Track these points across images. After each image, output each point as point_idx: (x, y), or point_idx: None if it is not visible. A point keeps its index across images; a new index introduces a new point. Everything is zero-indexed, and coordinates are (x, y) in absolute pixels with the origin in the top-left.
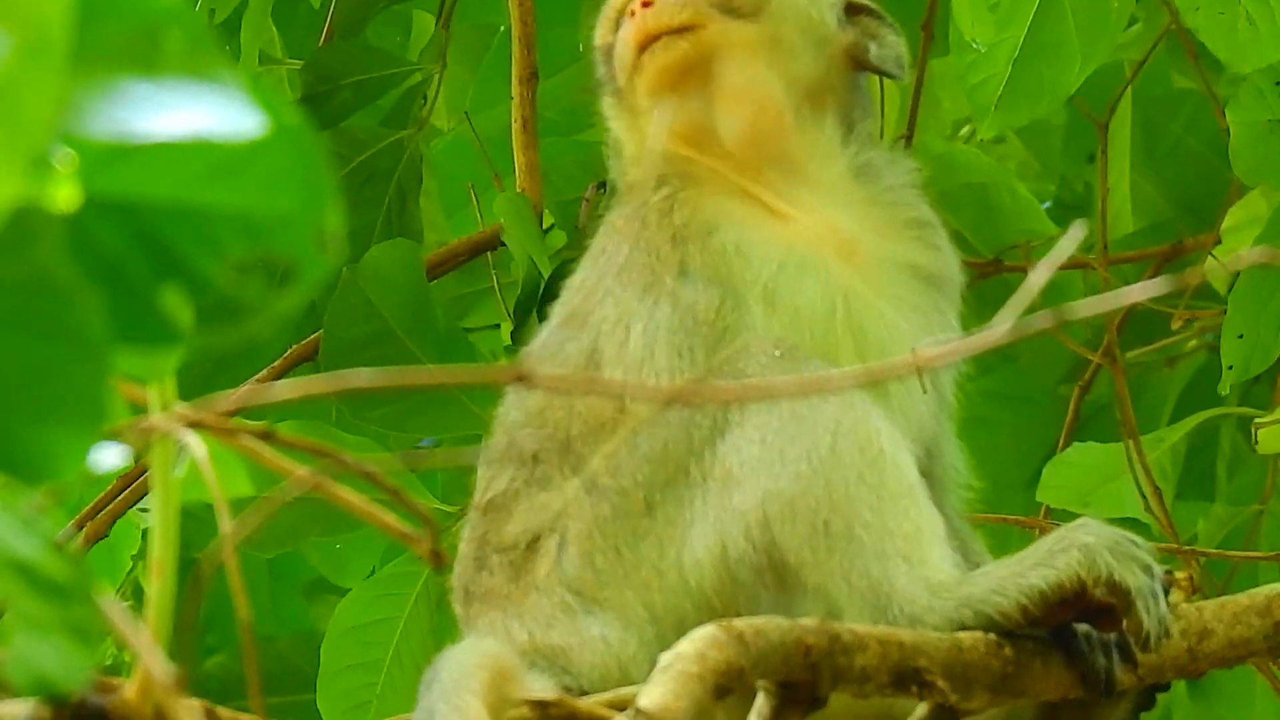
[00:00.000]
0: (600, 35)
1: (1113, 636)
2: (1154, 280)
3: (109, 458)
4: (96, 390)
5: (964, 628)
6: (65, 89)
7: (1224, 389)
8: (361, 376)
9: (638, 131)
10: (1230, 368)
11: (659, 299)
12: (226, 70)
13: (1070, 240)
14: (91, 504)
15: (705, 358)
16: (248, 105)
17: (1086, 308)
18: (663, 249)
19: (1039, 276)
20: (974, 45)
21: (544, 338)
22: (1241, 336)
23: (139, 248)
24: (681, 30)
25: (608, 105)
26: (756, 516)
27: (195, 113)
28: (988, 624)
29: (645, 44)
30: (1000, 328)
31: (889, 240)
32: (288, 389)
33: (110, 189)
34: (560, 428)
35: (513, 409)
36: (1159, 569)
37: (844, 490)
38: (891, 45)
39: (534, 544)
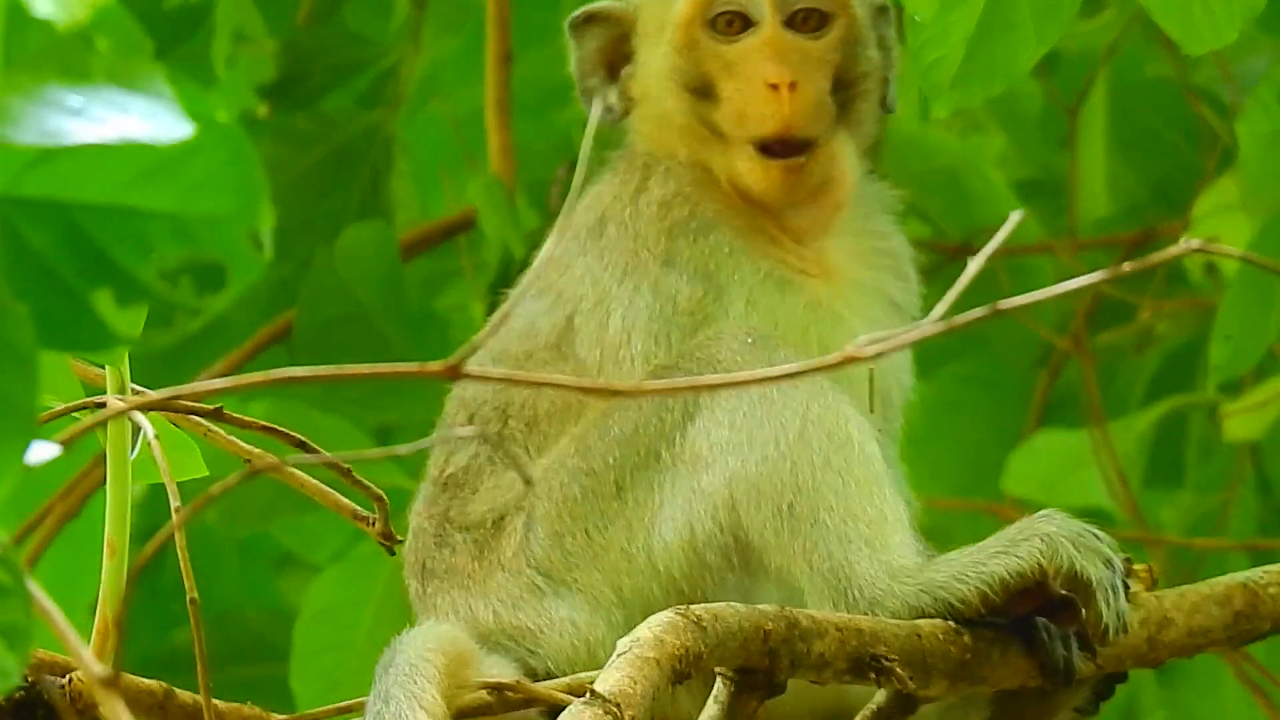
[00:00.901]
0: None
1: (1072, 628)
2: (1122, 266)
3: (43, 456)
4: (27, 398)
5: (923, 613)
6: None
7: (1209, 390)
8: (297, 371)
9: (703, 143)
10: (1217, 368)
11: (640, 284)
12: (157, 75)
13: (1008, 228)
14: (64, 484)
15: (679, 346)
16: (178, 109)
17: (1032, 297)
18: (651, 236)
19: (974, 267)
20: (915, 19)
21: (515, 309)
22: (1229, 338)
23: (71, 250)
24: (806, 145)
25: (663, 72)
26: (724, 498)
27: (125, 117)
28: (947, 610)
29: (775, 142)
30: (934, 321)
31: (867, 268)
32: (255, 378)
33: (40, 192)
34: (527, 405)
35: (471, 385)
36: (1120, 562)
37: (810, 474)
38: (895, 80)
39: (500, 522)
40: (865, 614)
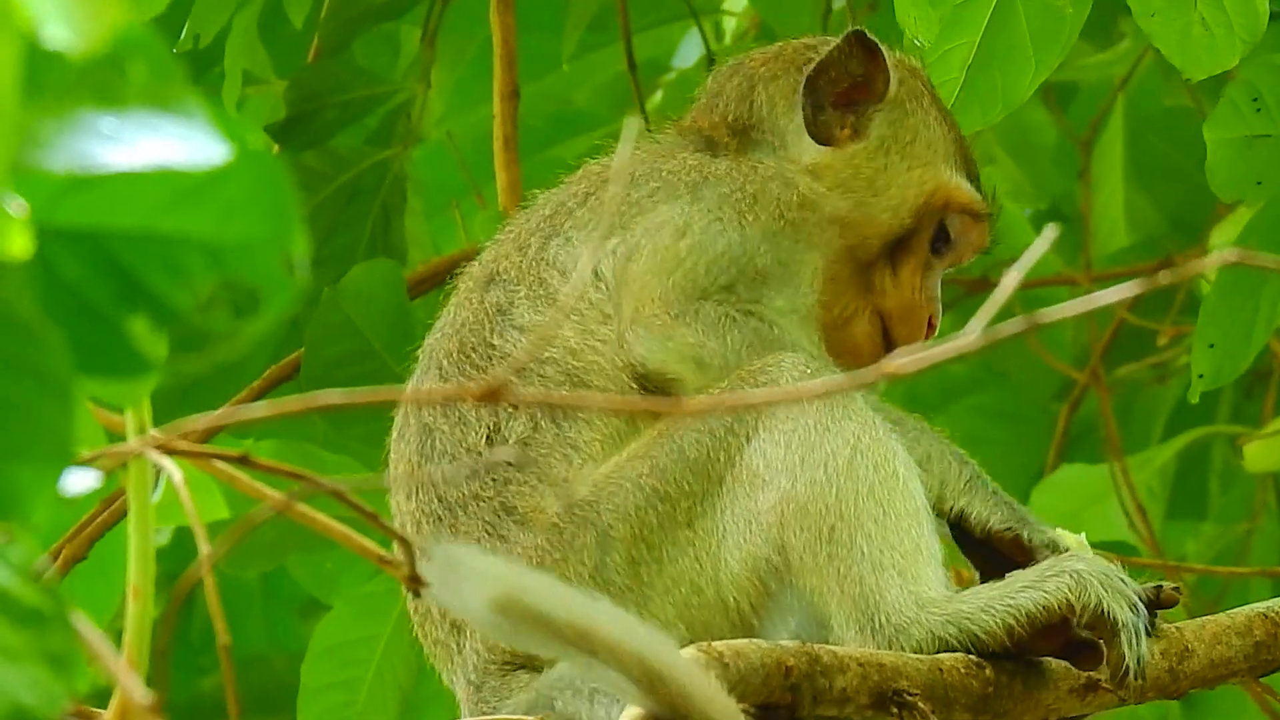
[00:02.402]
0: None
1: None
2: (1132, 282)
3: (79, 486)
4: (63, 425)
5: (947, 645)
6: (17, 136)
7: (1193, 397)
8: (333, 395)
9: (854, 252)
10: (1201, 376)
11: (727, 229)
12: (191, 99)
13: (1044, 242)
14: (71, 528)
15: (724, 286)
16: (212, 133)
17: (1063, 311)
18: (763, 207)
19: (1011, 280)
20: (916, 43)
21: (557, 261)
22: (1212, 346)
23: (104, 278)
24: None
25: (896, 197)
26: (775, 517)
27: (159, 142)
28: (972, 642)
29: (891, 346)
30: (972, 334)
31: None
32: (262, 409)
33: (73, 220)
34: (565, 356)
35: (499, 321)
36: (1144, 607)
37: (853, 501)
38: None
39: (569, 534)
40: (890, 641)
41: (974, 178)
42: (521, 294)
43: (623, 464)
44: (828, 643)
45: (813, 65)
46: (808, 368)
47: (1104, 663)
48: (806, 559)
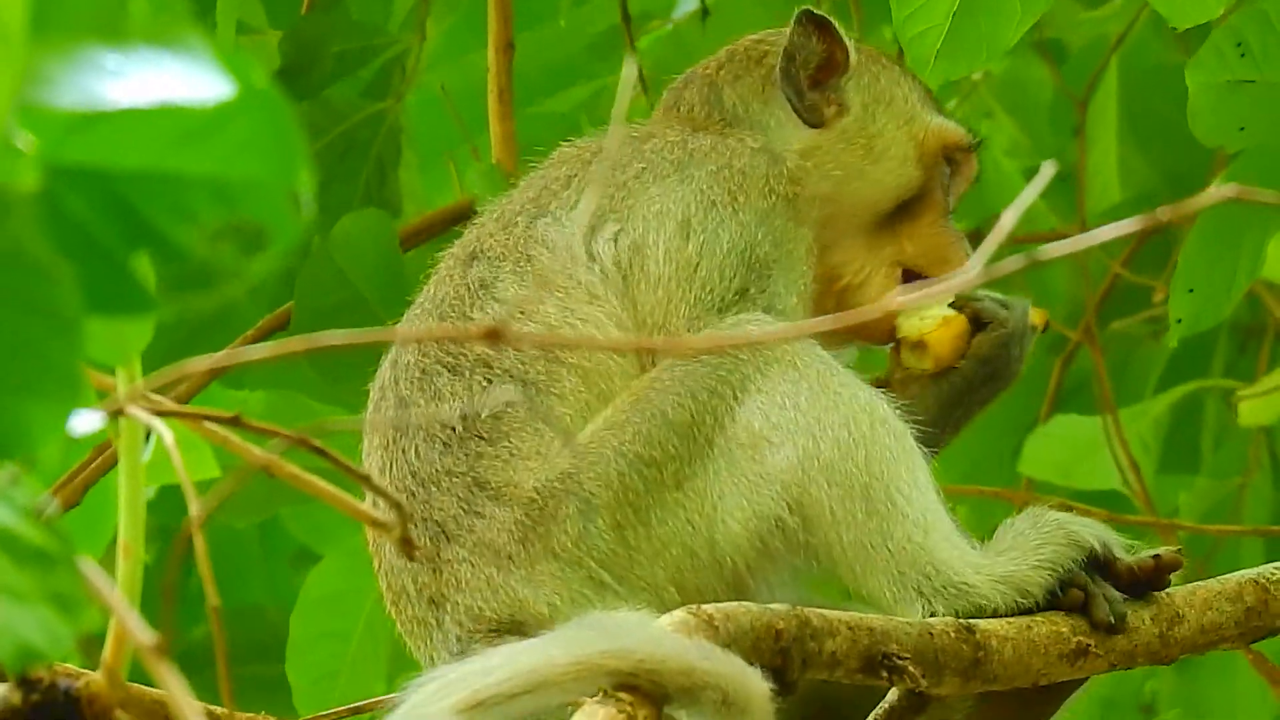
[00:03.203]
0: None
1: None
2: (1131, 219)
3: (84, 426)
4: (72, 362)
5: (999, 606)
6: (24, 70)
7: (1172, 342)
8: (334, 336)
9: (857, 216)
10: (1179, 321)
11: (725, 221)
12: (194, 36)
13: (1040, 183)
14: (66, 473)
15: (735, 287)
16: (216, 71)
17: (1061, 249)
18: (754, 189)
19: (1008, 219)
20: None
21: (546, 234)
22: (1192, 291)
23: (110, 216)
24: None
25: (888, 163)
26: (795, 476)
27: (163, 79)
28: (1020, 598)
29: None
30: (973, 269)
31: None
32: (261, 350)
33: (79, 158)
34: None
35: (480, 295)
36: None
37: (882, 465)
38: None
39: (550, 505)
40: (950, 602)
41: (946, 114)
42: (506, 269)
43: (600, 432)
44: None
45: (779, 56)
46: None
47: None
48: (841, 517)
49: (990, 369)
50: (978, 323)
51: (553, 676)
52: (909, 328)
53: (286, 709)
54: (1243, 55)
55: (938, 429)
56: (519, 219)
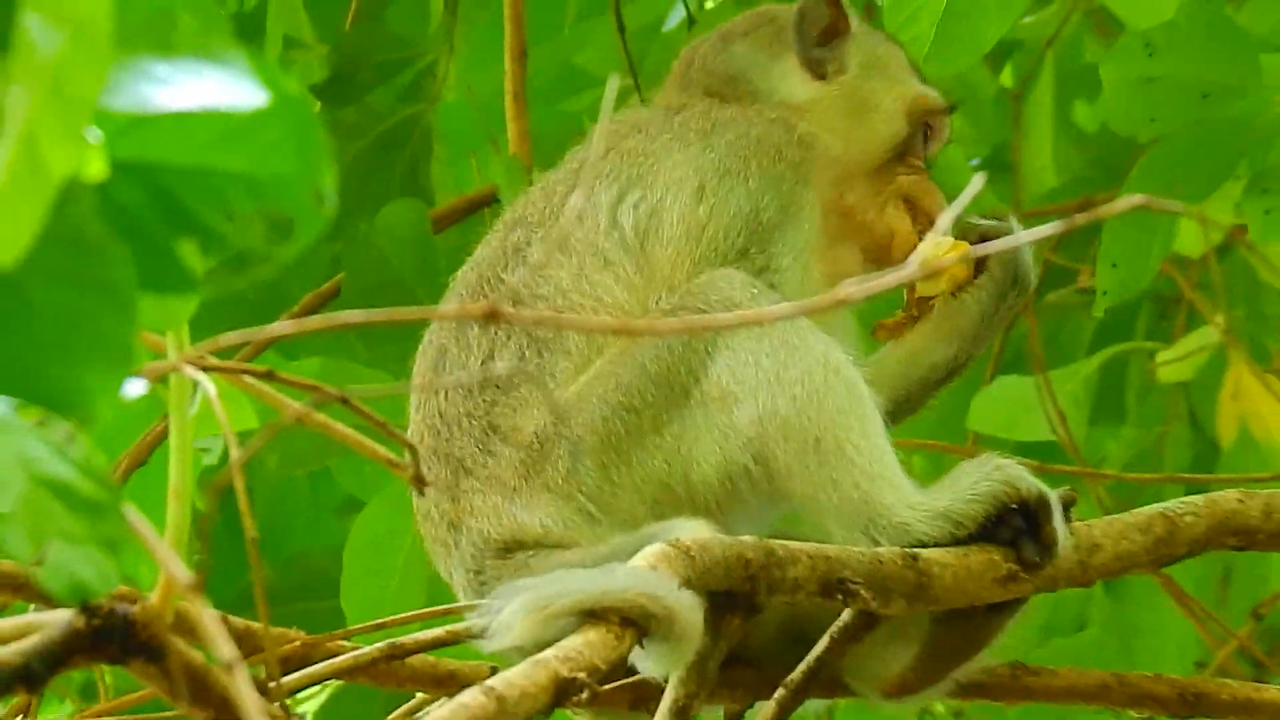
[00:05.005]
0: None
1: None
2: (1053, 223)
3: (135, 391)
4: (125, 333)
5: (936, 537)
6: (104, 79)
7: (1098, 311)
8: (353, 315)
9: (861, 164)
10: (1105, 293)
11: (736, 186)
12: (234, 49)
13: (973, 189)
14: (136, 440)
15: (740, 246)
16: (252, 80)
17: (992, 247)
18: (767, 156)
19: (944, 222)
20: (877, 2)
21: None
22: (1115, 265)
23: (158, 205)
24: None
25: (884, 116)
26: (756, 431)
27: (206, 87)
28: (955, 529)
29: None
30: (912, 266)
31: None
32: (287, 327)
33: (133, 155)
34: (580, 310)
35: (514, 258)
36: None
37: (834, 416)
38: None
39: (545, 447)
40: (892, 538)
41: (928, 83)
42: (539, 235)
43: (589, 382)
44: (793, 539)
45: (786, 18)
46: (754, 286)
47: (1034, 546)
48: (797, 468)
49: (1010, 274)
50: (983, 239)
51: (606, 602)
52: (928, 249)
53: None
54: (1150, 54)
55: (976, 344)
56: (558, 188)
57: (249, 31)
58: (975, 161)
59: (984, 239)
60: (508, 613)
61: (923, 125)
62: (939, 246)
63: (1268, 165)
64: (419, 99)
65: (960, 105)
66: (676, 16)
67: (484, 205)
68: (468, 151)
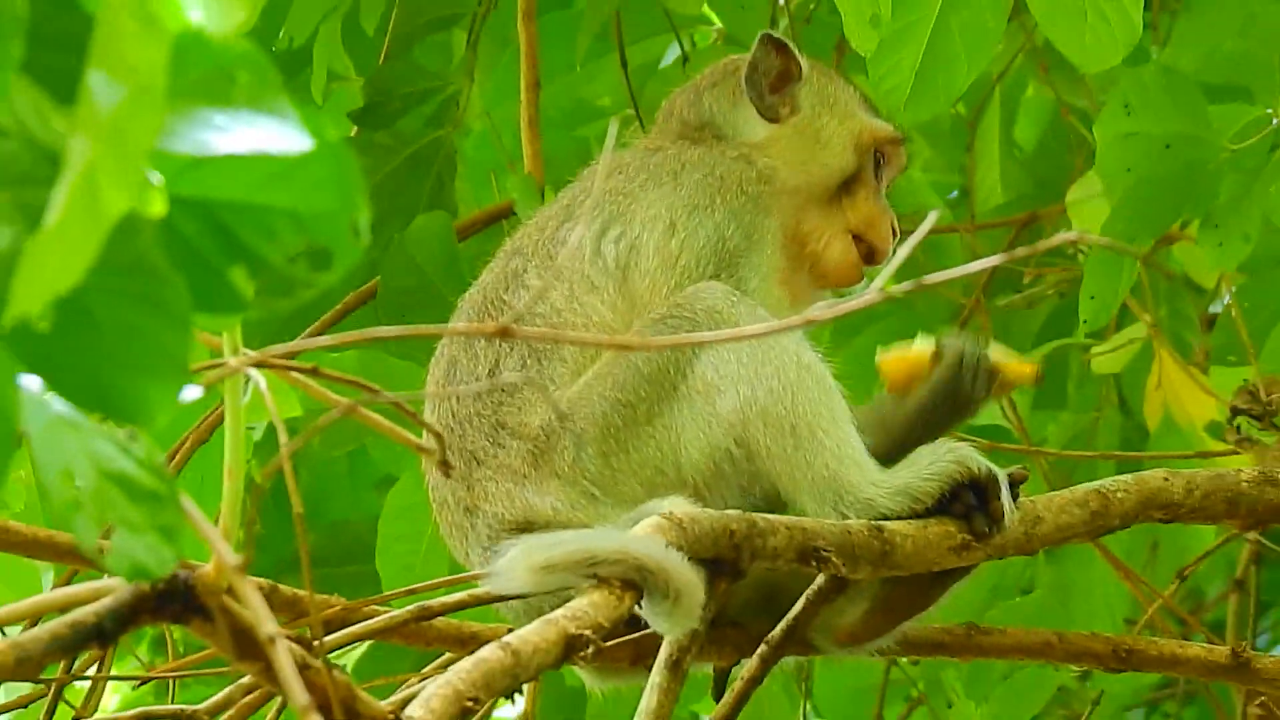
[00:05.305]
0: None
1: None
2: (995, 256)
3: (190, 397)
4: (182, 349)
5: (899, 511)
6: (159, 128)
7: (1079, 336)
8: (386, 330)
9: (813, 194)
10: (1085, 321)
11: (704, 221)
12: (283, 100)
13: (929, 223)
14: (199, 419)
15: (709, 273)
16: (298, 128)
17: (943, 276)
18: (730, 191)
19: (902, 252)
20: (861, 54)
21: (562, 230)
22: (1093, 297)
23: (214, 237)
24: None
25: (834, 148)
26: (738, 419)
27: (258, 133)
28: (914, 503)
29: (868, 256)
30: (872, 291)
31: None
32: (326, 340)
33: (191, 191)
34: (573, 326)
35: (513, 282)
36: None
37: (806, 405)
38: None
39: (550, 439)
40: (858, 513)
41: (881, 116)
42: (535, 263)
43: (589, 382)
44: (773, 512)
45: (745, 67)
46: (733, 295)
47: (984, 519)
48: (775, 450)
49: (943, 396)
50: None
51: (600, 556)
52: (880, 355)
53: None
54: (1128, 113)
55: (901, 442)
56: (550, 223)
57: (297, 65)
58: (953, 194)
59: (940, 354)
60: (509, 558)
61: (874, 155)
62: (900, 348)
63: (1217, 204)
64: (444, 124)
65: (924, 133)
66: (673, 54)
67: (502, 217)
68: (488, 171)
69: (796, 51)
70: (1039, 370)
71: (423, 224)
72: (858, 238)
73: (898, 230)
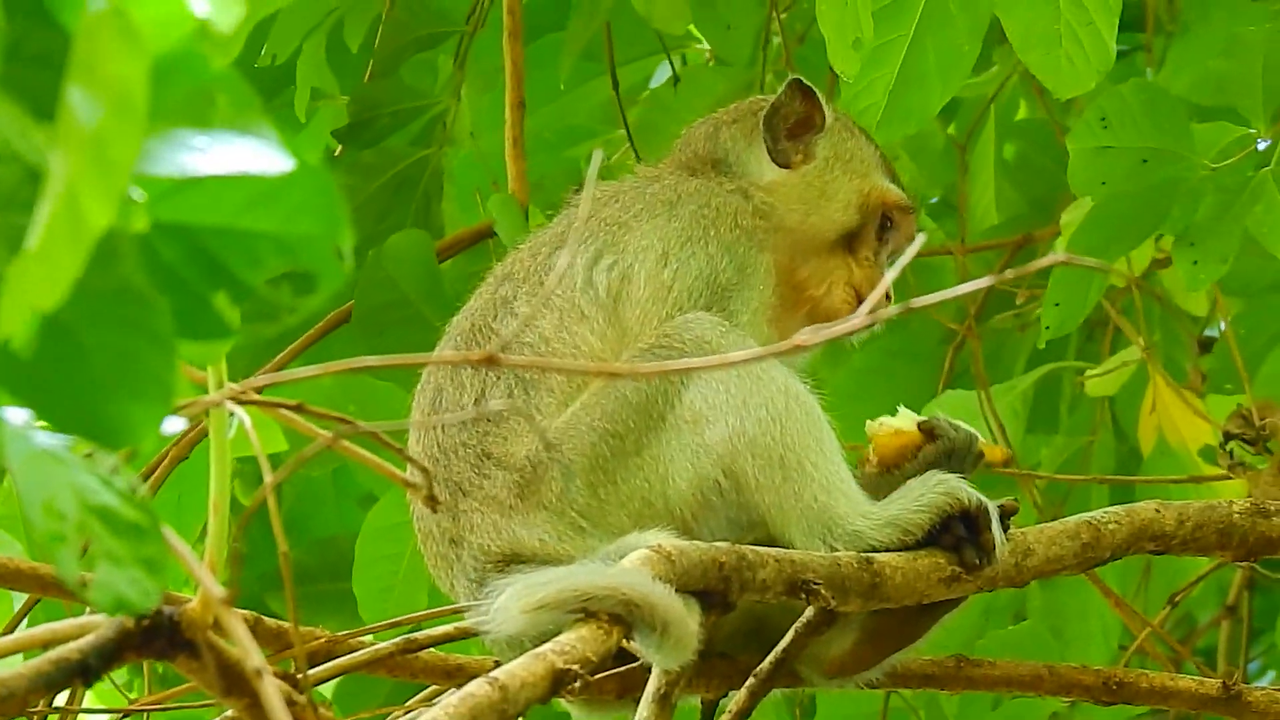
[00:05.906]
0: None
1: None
2: (987, 278)
3: (174, 427)
4: (167, 374)
5: (888, 543)
6: (142, 140)
7: (1040, 343)
8: (370, 360)
9: (816, 245)
10: (1048, 327)
11: (696, 252)
12: (264, 122)
13: (918, 245)
14: (178, 437)
15: (701, 305)
16: (280, 150)
17: (933, 299)
18: (724, 224)
19: (893, 272)
20: (843, 78)
21: (554, 257)
22: (1057, 305)
23: (196, 262)
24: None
25: (838, 204)
26: (726, 449)
27: (239, 155)
28: (904, 535)
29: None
30: (859, 317)
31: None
32: (311, 370)
33: (173, 215)
34: (562, 355)
35: (502, 310)
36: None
37: (795, 436)
38: None
39: (537, 470)
40: (846, 544)
41: (897, 181)
42: (525, 290)
43: (577, 413)
44: (758, 543)
45: (766, 108)
46: (723, 326)
47: (974, 551)
48: (764, 481)
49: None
50: (932, 436)
51: (589, 592)
52: (871, 429)
53: (353, 616)
54: (1105, 127)
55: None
56: (543, 249)
57: (281, 83)
58: (934, 200)
59: (932, 435)
60: (502, 601)
61: (880, 218)
62: (889, 425)
63: (1194, 221)
64: (430, 143)
65: (913, 155)
66: (663, 75)
67: (485, 238)
68: (473, 189)
69: (823, 101)
70: (1010, 454)
71: (399, 241)
72: (856, 293)
73: (891, 297)
